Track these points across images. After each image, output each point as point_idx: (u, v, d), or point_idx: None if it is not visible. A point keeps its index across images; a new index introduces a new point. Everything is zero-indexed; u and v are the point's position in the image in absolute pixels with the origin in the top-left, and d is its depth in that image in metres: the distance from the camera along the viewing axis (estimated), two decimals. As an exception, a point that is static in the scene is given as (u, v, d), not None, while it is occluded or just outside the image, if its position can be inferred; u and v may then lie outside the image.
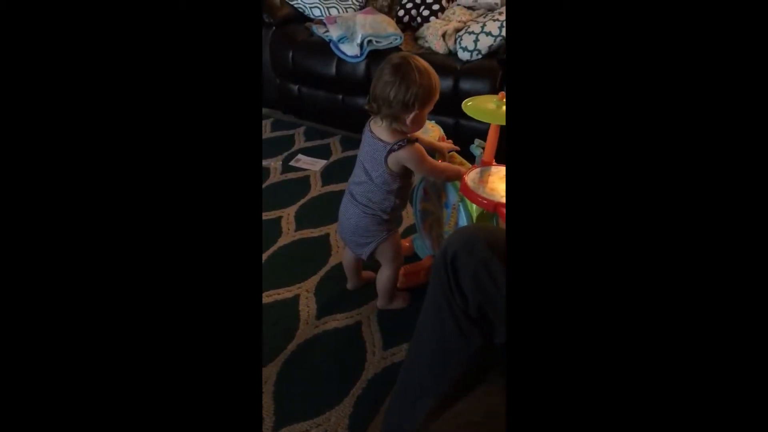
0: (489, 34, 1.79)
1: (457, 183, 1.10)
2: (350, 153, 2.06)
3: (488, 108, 1.08)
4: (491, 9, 2.06)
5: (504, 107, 1.06)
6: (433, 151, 1.21)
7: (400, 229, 1.50)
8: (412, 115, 0.98)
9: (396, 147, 1.01)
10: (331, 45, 2.00)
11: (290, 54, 2.10)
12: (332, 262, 1.45)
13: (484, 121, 1.06)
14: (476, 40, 1.81)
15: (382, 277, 1.22)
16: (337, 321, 1.25)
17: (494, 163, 1.13)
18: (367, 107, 1.04)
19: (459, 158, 1.20)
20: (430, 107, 1.02)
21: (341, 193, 1.81)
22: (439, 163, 1.11)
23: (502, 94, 1.08)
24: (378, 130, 1.05)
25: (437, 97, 1.02)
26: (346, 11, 2.23)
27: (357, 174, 1.12)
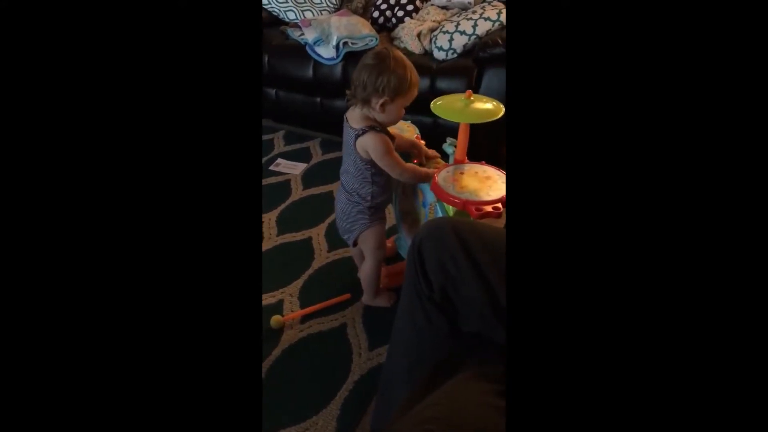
0: (463, 33, 1.81)
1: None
2: (330, 156, 2.05)
3: (456, 107, 1.08)
4: (465, 8, 2.07)
5: (471, 105, 1.08)
6: (411, 150, 1.22)
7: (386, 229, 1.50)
8: (381, 101, 1.00)
9: (361, 132, 1.04)
10: (307, 48, 1.99)
11: (266, 58, 2.08)
12: (315, 265, 1.44)
13: (453, 120, 1.07)
14: (451, 40, 1.82)
15: (365, 268, 1.24)
16: (321, 324, 1.25)
17: (466, 161, 1.14)
18: (347, 93, 1.07)
19: (442, 162, 1.21)
20: (404, 101, 1.03)
21: (323, 196, 1.82)
22: (405, 163, 1.11)
23: (469, 92, 1.09)
24: (351, 117, 1.08)
25: (413, 92, 1.03)
26: (321, 14, 2.23)
27: (343, 162, 1.16)
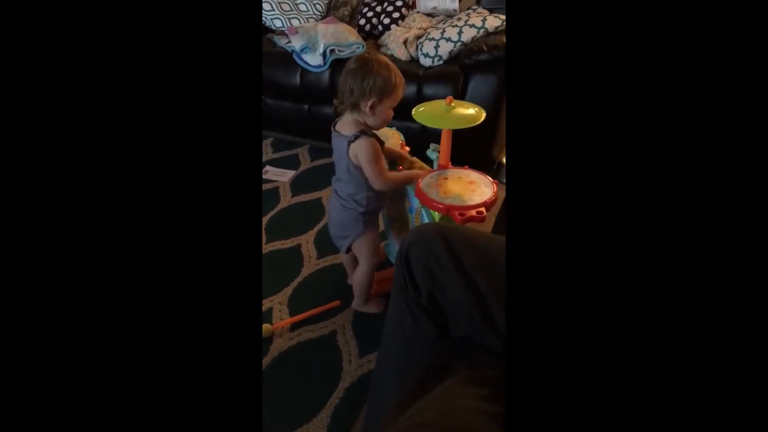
0: (449, 39, 1.83)
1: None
2: (319, 162, 2.05)
3: (438, 113, 1.09)
4: (450, 15, 2.10)
5: (452, 111, 1.08)
6: (395, 158, 1.23)
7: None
8: (370, 102, 1.02)
9: (353, 138, 1.05)
10: (294, 55, 2.00)
11: (253, 66, 2.08)
12: (304, 273, 1.44)
13: (435, 126, 1.08)
14: (437, 46, 1.84)
15: (358, 274, 1.24)
16: (311, 332, 1.24)
17: (450, 167, 1.15)
18: (335, 102, 1.08)
19: (420, 163, 1.22)
20: (391, 102, 1.05)
21: (311, 203, 1.82)
22: (389, 174, 1.10)
23: (450, 98, 1.10)
24: (341, 125, 1.09)
25: (399, 92, 1.05)
26: (308, 21, 2.24)
27: (336, 171, 1.17)
